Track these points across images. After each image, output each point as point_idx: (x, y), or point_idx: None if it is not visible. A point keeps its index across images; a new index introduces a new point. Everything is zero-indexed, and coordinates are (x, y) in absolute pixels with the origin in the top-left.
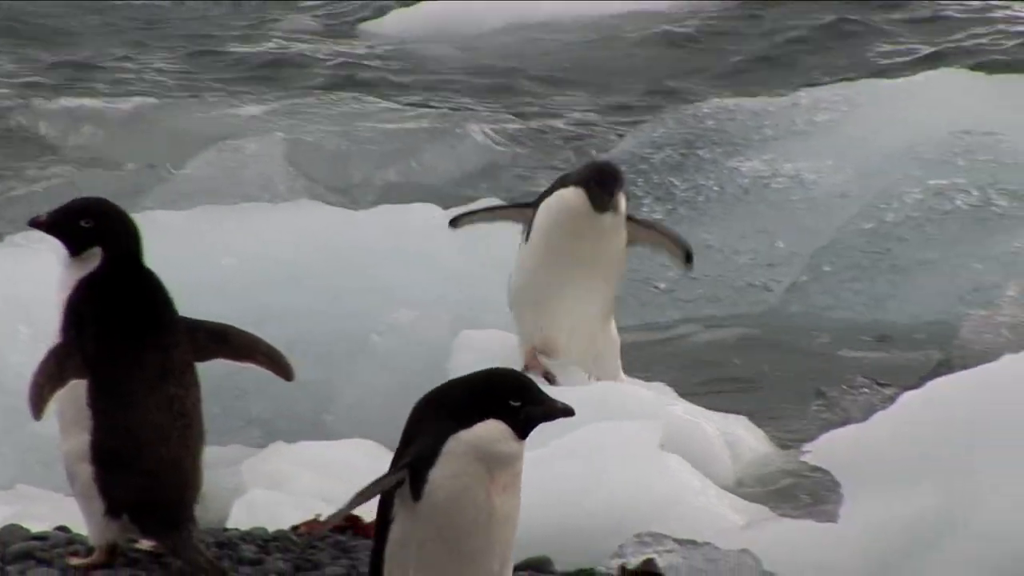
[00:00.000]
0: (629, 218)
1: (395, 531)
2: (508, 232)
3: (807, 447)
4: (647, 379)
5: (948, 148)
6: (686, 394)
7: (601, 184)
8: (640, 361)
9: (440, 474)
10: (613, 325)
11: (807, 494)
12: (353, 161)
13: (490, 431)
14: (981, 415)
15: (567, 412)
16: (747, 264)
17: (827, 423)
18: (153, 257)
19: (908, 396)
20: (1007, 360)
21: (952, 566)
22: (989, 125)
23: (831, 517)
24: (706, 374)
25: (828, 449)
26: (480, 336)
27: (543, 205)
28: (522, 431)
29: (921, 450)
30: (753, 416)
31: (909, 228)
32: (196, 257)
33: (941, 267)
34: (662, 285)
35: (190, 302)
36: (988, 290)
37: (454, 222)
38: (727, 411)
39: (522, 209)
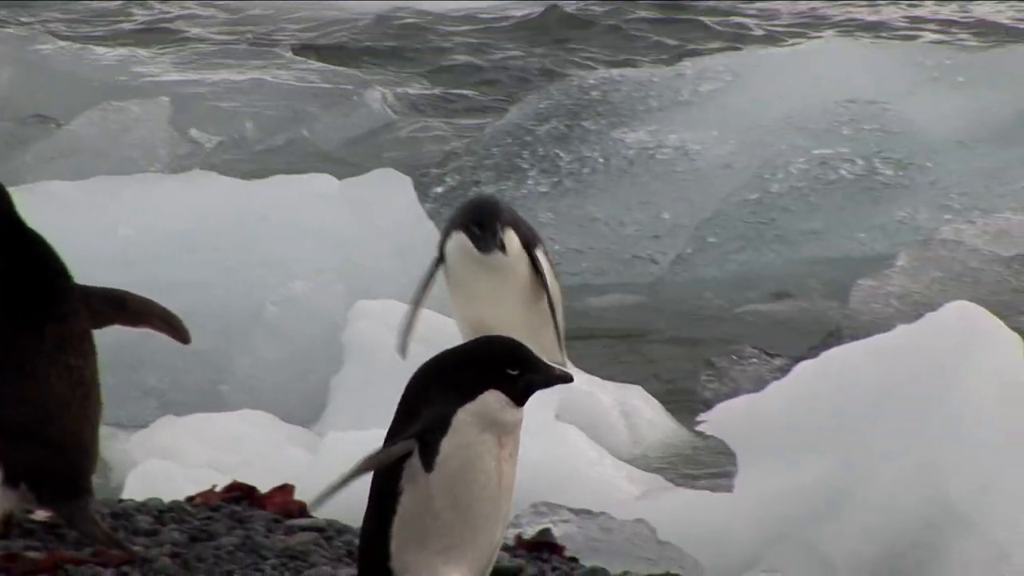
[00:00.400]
0: (531, 254)
1: (405, 503)
2: (400, 201)
3: (702, 417)
4: None
5: (833, 118)
6: (579, 366)
7: (479, 226)
8: None
9: (453, 444)
10: (552, 326)
11: (702, 464)
12: (243, 125)
13: (493, 400)
14: (875, 385)
15: (565, 378)
16: (633, 236)
17: (717, 393)
18: (50, 228)
19: (802, 366)
20: (900, 330)
21: (846, 536)
22: (875, 94)
23: (726, 487)
24: (598, 345)
25: (723, 419)
26: (375, 306)
27: (447, 252)
28: (520, 399)
29: (815, 420)
30: (646, 386)
31: (794, 198)
32: (93, 229)
33: (827, 237)
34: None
35: (87, 274)
36: (874, 259)
37: (402, 351)
38: (621, 381)
39: (433, 273)
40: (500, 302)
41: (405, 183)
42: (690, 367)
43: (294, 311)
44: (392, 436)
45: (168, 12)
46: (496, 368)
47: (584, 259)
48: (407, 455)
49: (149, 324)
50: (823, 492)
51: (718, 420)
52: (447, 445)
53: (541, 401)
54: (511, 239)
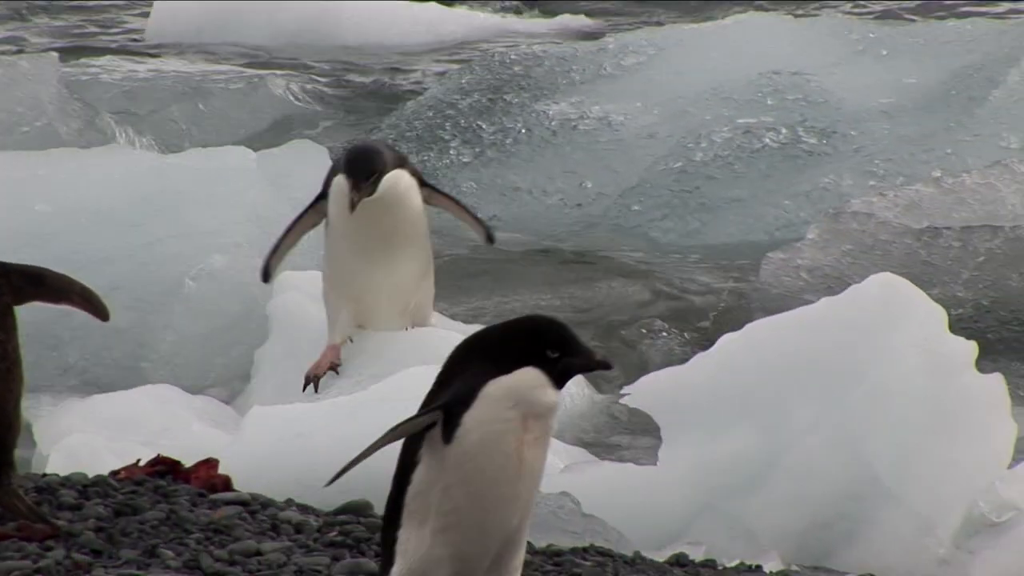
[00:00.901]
0: (427, 185)
1: (420, 474)
2: (316, 172)
3: (626, 389)
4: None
5: (757, 89)
6: None
7: (353, 173)
8: (454, 298)
9: (475, 418)
10: (430, 280)
11: (627, 436)
12: (137, 99)
13: (529, 379)
14: (798, 357)
15: (605, 365)
16: (556, 205)
17: (634, 366)
18: None
19: (725, 338)
20: (824, 302)
21: (771, 507)
22: (798, 66)
23: (650, 460)
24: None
25: (647, 391)
26: (300, 277)
27: (330, 196)
28: (559, 381)
29: (739, 392)
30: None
31: (718, 167)
32: (9, 204)
33: (750, 204)
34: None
35: (4, 250)
36: (797, 226)
37: (266, 276)
38: None
39: (315, 208)
40: (390, 243)
41: (321, 154)
42: (604, 338)
43: (213, 285)
44: (424, 406)
45: None
46: (537, 346)
47: (506, 227)
48: (432, 425)
49: (69, 301)
50: (747, 464)
51: (642, 392)
52: (469, 418)
53: None
54: (397, 178)
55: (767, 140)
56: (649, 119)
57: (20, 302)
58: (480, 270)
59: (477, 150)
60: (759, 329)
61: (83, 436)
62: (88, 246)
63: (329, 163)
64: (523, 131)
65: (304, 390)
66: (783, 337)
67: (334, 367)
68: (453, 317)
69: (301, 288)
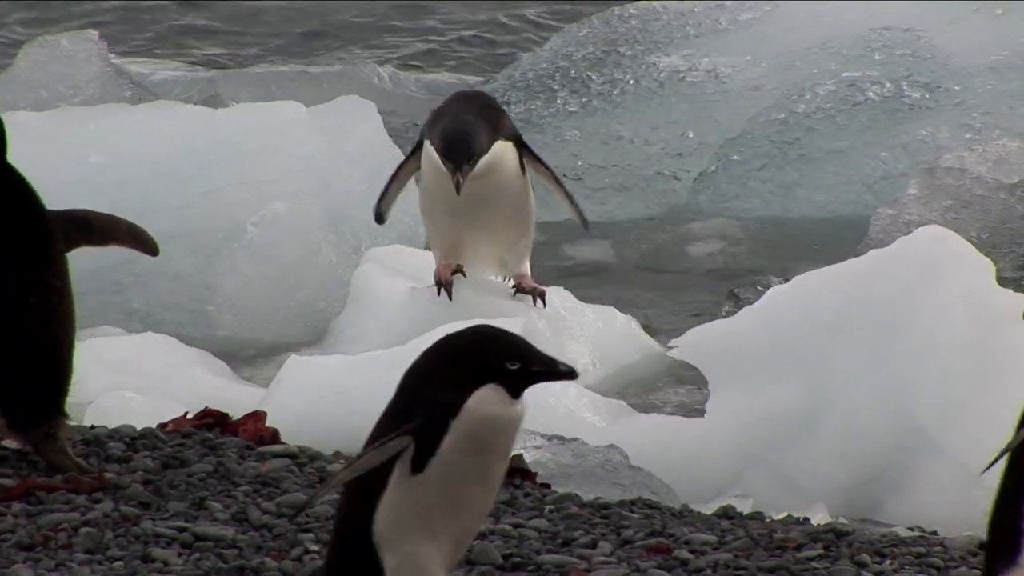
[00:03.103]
0: (530, 154)
1: (389, 501)
2: (366, 127)
3: (674, 342)
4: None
5: (866, 44)
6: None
7: (452, 156)
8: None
9: (446, 447)
10: (528, 239)
11: (675, 389)
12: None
13: (493, 398)
14: (844, 309)
15: (570, 374)
16: (657, 154)
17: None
18: (17, 157)
19: (774, 291)
20: (871, 255)
21: (817, 460)
22: (909, 22)
23: (698, 412)
24: (614, 267)
25: (695, 343)
26: (383, 251)
27: (423, 160)
28: (518, 393)
29: (786, 345)
30: (657, 314)
31: (819, 119)
32: (62, 157)
33: (849, 156)
34: (569, 174)
35: (60, 200)
36: (895, 177)
37: (379, 218)
38: (627, 305)
39: (415, 155)
40: (483, 213)
41: (370, 109)
42: (714, 297)
43: (274, 231)
44: (384, 431)
45: None
46: (494, 362)
47: (607, 175)
48: (401, 452)
49: (116, 241)
50: (794, 417)
51: (689, 345)
52: (442, 448)
53: (506, 327)
54: (499, 155)
55: (870, 93)
56: (756, 72)
57: (70, 248)
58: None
59: (584, 99)
60: (807, 281)
61: (119, 393)
62: (146, 196)
63: (378, 119)
64: (631, 82)
65: (439, 294)
66: (831, 289)
67: (459, 270)
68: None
69: (385, 262)
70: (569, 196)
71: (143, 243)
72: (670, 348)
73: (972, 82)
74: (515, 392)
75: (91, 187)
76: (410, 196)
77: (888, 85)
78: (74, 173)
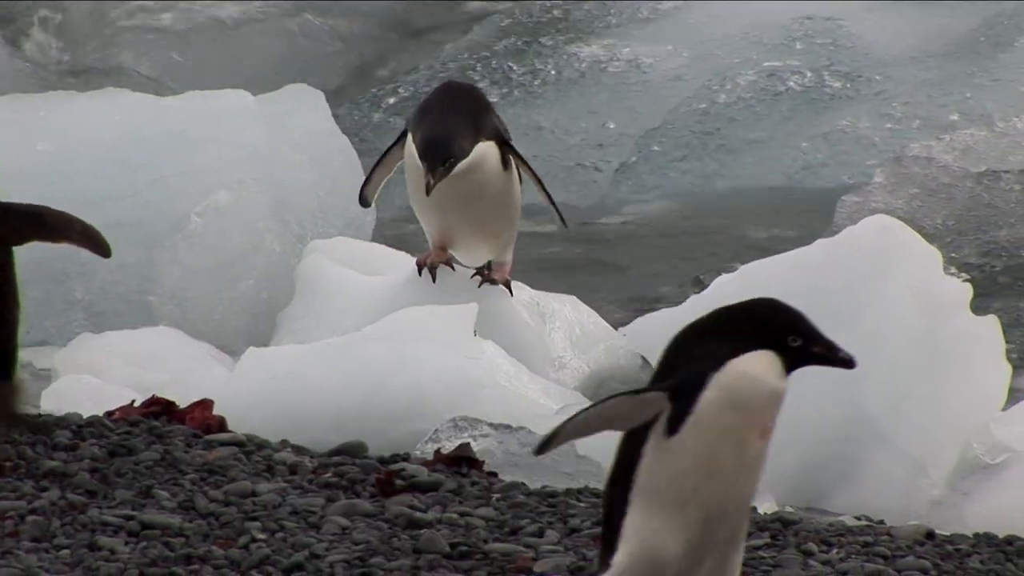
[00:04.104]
0: (515, 154)
1: (645, 464)
2: (313, 116)
3: (622, 330)
4: None
5: (788, 33)
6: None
7: (428, 157)
8: None
9: (703, 406)
10: (513, 232)
11: (622, 377)
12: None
13: (764, 363)
14: (793, 298)
15: (849, 362)
16: (577, 145)
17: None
18: None
19: (721, 279)
20: (819, 244)
21: None
22: (831, 11)
23: None
24: (551, 259)
25: (642, 332)
26: (329, 243)
27: (405, 152)
28: (791, 368)
29: None
30: (613, 302)
31: (740, 109)
32: (9, 144)
33: (769, 145)
34: None
35: (6, 190)
36: (815, 167)
37: (363, 202)
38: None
39: (400, 143)
40: (467, 208)
41: (318, 98)
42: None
43: (219, 221)
44: (650, 387)
45: None
46: (776, 332)
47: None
48: (657, 414)
49: (68, 239)
50: None
51: (637, 333)
52: (698, 407)
53: (459, 315)
54: (480, 156)
55: (791, 83)
56: (677, 62)
57: (20, 242)
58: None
59: (504, 90)
60: (754, 270)
61: (75, 377)
62: (91, 185)
63: (325, 107)
64: (552, 72)
65: (420, 274)
66: (778, 278)
67: (449, 263)
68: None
69: (329, 253)
70: (549, 197)
71: (96, 244)
72: (620, 336)
73: (892, 71)
74: (788, 367)
75: (38, 176)
76: (354, 185)
77: (809, 75)
78: (21, 161)
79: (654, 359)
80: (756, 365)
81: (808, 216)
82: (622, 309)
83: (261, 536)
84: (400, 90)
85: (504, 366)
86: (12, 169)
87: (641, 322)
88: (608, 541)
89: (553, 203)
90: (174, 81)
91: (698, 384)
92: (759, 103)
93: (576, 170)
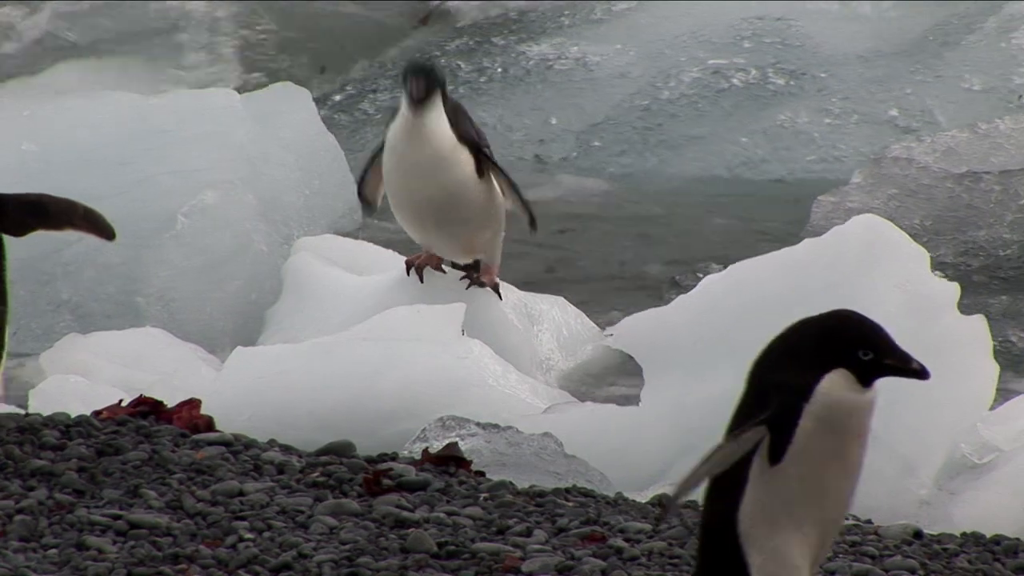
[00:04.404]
0: (487, 158)
1: (751, 496)
2: (301, 114)
3: (609, 330)
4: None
5: (737, 32)
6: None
7: (408, 78)
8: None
9: (802, 436)
10: (498, 240)
11: (609, 378)
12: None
13: (841, 384)
14: (780, 298)
15: (921, 373)
16: (519, 140)
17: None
18: None
19: (709, 279)
20: (806, 243)
21: None
22: (782, 11)
23: (633, 400)
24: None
25: (630, 332)
26: (317, 240)
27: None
28: (868, 381)
29: (721, 333)
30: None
31: (682, 105)
32: None
33: (709, 141)
34: None
35: None
36: (755, 163)
37: (366, 205)
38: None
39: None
40: (440, 207)
41: (305, 96)
42: (650, 285)
43: (206, 221)
44: (741, 419)
45: None
46: (846, 349)
47: None
48: (758, 443)
49: (72, 226)
50: (728, 405)
51: (625, 333)
52: (797, 438)
53: (446, 315)
54: (453, 152)
55: (735, 80)
56: (624, 60)
57: (22, 233)
58: None
59: (450, 88)
60: (742, 270)
61: (63, 377)
62: (77, 184)
63: (312, 106)
64: (499, 70)
65: (408, 274)
66: (765, 278)
67: (439, 266)
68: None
69: (317, 251)
70: (521, 196)
71: (100, 228)
72: (605, 336)
73: (838, 70)
74: (864, 381)
75: (24, 175)
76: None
77: (753, 72)
78: (6, 160)
79: (641, 358)
80: (839, 387)
81: (749, 206)
82: (598, 309)
83: (249, 536)
84: (348, 87)
85: (492, 366)
86: None
87: (628, 322)
88: (709, 565)
89: (524, 201)
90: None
91: (793, 415)
92: (701, 99)
93: (517, 164)
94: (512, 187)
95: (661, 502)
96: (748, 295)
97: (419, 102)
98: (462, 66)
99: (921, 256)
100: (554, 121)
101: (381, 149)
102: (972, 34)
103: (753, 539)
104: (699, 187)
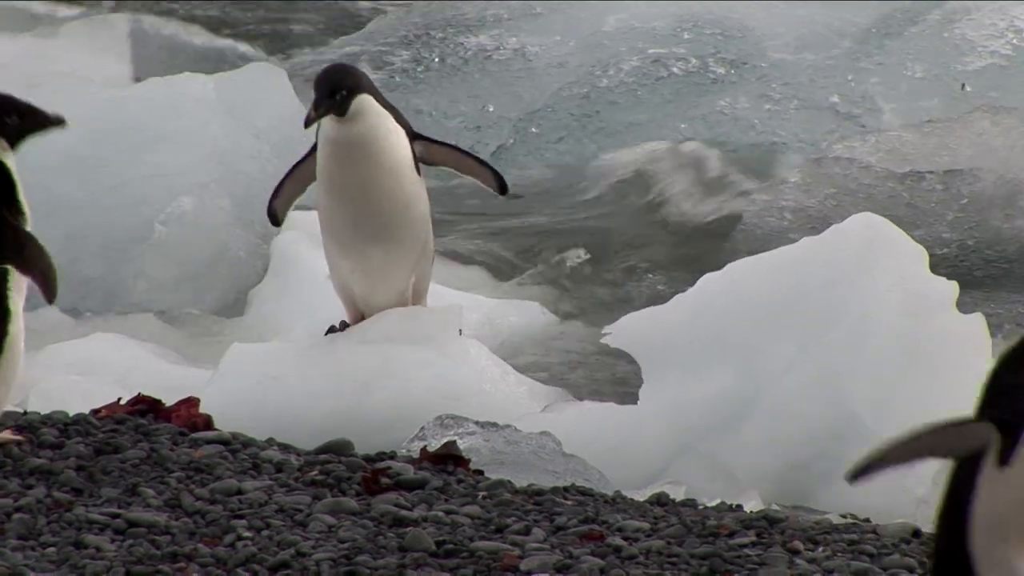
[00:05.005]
0: (420, 137)
1: (983, 496)
2: (277, 98)
3: (607, 328)
4: None
5: (678, 23)
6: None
7: (318, 88)
8: None
9: None
10: (429, 260)
11: (607, 376)
12: None
13: None
14: (778, 296)
15: None
16: (455, 128)
17: (619, 304)
18: None
19: (706, 277)
20: (804, 242)
21: (749, 447)
22: (728, 7)
23: (631, 399)
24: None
25: (627, 330)
26: (304, 216)
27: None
28: None
29: (719, 331)
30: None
31: (621, 93)
32: None
33: (648, 128)
34: None
35: None
36: (695, 151)
37: (273, 219)
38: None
39: (313, 155)
40: (367, 207)
41: (280, 76)
42: (597, 282)
43: (183, 230)
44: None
45: None
46: None
47: None
48: (985, 444)
49: (31, 275)
50: (726, 403)
51: (622, 332)
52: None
53: (443, 317)
54: (378, 115)
55: (675, 69)
56: (564, 50)
57: None
58: None
59: (386, 76)
60: (739, 268)
61: (60, 378)
62: (53, 191)
63: (288, 86)
64: (436, 60)
65: (327, 334)
66: (763, 276)
67: (344, 326)
68: None
69: (303, 227)
70: (477, 159)
71: (48, 289)
72: (603, 335)
73: (779, 59)
74: None
75: None
76: None
77: (693, 61)
78: None
79: (638, 357)
80: None
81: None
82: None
83: (247, 534)
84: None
85: (489, 366)
86: None
87: (625, 321)
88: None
89: (483, 163)
90: None
91: (1021, 413)
92: (641, 87)
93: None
94: (460, 151)
95: (859, 469)
96: (746, 293)
97: (342, 102)
98: (399, 54)
99: (920, 254)
100: (491, 109)
101: (304, 159)
102: (915, 26)
103: (983, 550)
104: (637, 176)
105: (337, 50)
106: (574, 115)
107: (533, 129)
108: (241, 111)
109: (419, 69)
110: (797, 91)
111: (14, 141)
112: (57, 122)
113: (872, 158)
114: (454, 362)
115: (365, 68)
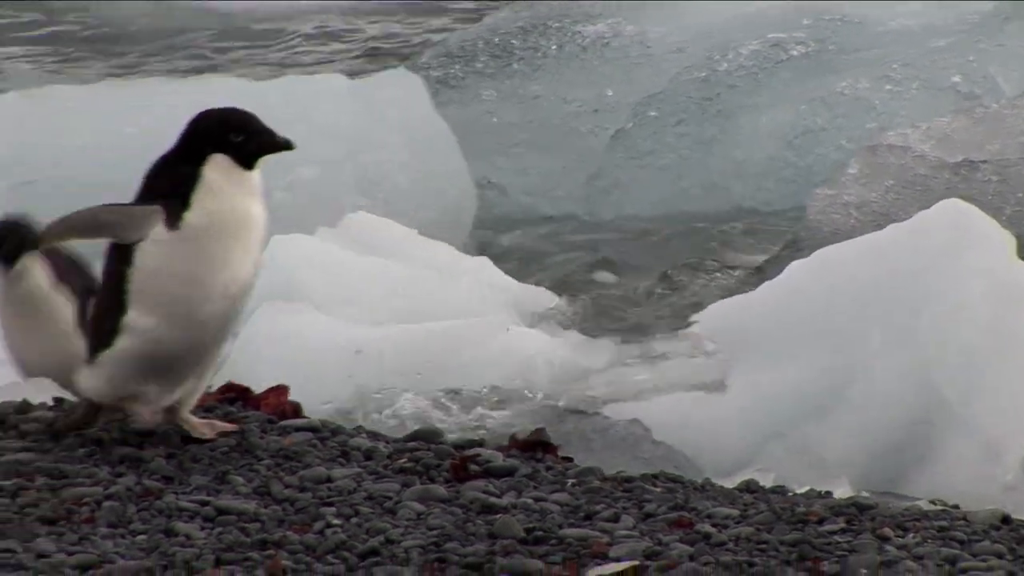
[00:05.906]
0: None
1: None
2: (412, 97)
3: (694, 318)
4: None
5: (796, 11)
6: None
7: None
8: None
9: None
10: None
11: (696, 364)
12: None
13: None
14: (866, 284)
15: None
16: (573, 112)
17: (675, 306)
18: (60, 129)
19: (794, 265)
20: (892, 228)
21: (839, 434)
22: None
23: (719, 387)
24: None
25: (716, 318)
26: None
27: None
28: None
29: (807, 319)
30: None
31: (740, 76)
32: (96, 129)
33: (766, 110)
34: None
35: (96, 168)
36: (815, 132)
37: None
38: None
39: None
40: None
41: (416, 83)
42: (649, 278)
43: (302, 197)
44: None
45: None
46: None
47: (522, 131)
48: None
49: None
50: (815, 391)
51: (711, 320)
52: None
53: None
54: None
55: (794, 52)
56: (682, 37)
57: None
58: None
59: (504, 63)
60: (827, 256)
61: None
62: None
63: (424, 92)
64: (554, 48)
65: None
66: (851, 263)
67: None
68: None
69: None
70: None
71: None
72: (691, 323)
73: (901, 43)
74: None
75: (129, 158)
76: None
77: (813, 45)
78: (110, 142)
79: (727, 345)
80: None
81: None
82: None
83: (336, 522)
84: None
85: (577, 359)
86: (101, 151)
87: (713, 309)
88: None
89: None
90: None
91: None
92: (760, 71)
93: (572, 134)
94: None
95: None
96: (833, 280)
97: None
98: (516, 44)
99: (1007, 242)
100: (609, 93)
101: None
102: None
103: None
104: (754, 162)
105: (459, 40)
106: (693, 98)
107: (652, 112)
108: (376, 107)
109: (537, 56)
110: (919, 72)
111: (242, 159)
112: (285, 145)
113: (924, 146)
114: (543, 352)
115: (484, 58)
